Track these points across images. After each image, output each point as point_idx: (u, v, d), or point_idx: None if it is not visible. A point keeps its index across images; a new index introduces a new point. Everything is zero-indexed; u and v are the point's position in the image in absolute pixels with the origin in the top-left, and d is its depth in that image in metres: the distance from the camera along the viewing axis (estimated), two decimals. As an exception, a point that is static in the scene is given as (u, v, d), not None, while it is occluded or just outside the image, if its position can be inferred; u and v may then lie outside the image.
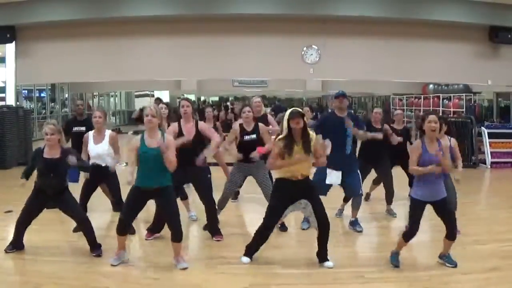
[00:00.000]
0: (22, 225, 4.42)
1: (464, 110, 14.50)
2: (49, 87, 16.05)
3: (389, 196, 5.99)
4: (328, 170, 5.06)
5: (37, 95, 15.88)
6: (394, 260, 4.21)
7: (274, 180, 4.44)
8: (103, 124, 5.07)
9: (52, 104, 16.49)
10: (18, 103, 11.46)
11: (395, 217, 5.91)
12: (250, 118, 5.24)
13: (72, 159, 4.28)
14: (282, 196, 4.16)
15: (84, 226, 4.44)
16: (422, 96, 17.72)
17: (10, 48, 10.66)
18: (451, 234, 4.11)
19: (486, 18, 10.24)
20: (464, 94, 14.99)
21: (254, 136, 5.16)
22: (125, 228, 4.14)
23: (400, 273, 4.07)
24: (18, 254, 4.42)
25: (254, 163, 5.20)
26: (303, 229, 5.32)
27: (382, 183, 6.15)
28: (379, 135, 5.77)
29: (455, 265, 4.16)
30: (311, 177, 4.36)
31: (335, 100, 5.22)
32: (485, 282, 3.88)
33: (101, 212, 5.76)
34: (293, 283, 3.93)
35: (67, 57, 10.23)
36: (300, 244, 4.98)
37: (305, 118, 4.06)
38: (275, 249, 4.67)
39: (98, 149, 4.97)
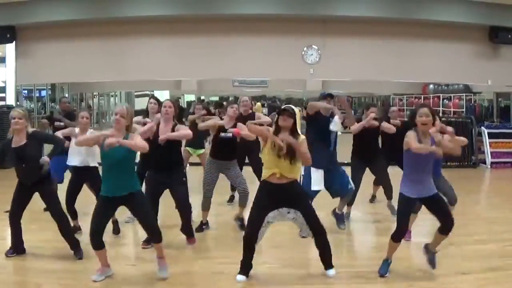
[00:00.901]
0: (13, 217, 4.32)
1: (464, 110, 14.51)
2: (49, 87, 16.03)
3: (388, 191, 5.75)
4: (312, 170, 4.95)
5: (37, 95, 15.87)
6: (383, 270, 4.00)
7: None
8: (88, 125, 5.03)
9: (52, 104, 16.46)
10: (18, 103, 11.45)
11: (395, 216, 5.80)
12: (233, 117, 5.18)
13: (43, 160, 4.19)
14: (264, 200, 3.82)
15: (60, 224, 4.34)
16: (422, 96, 17.72)
17: (10, 48, 10.66)
18: (445, 227, 3.87)
19: (486, 18, 10.23)
20: (464, 94, 14.99)
21: (230, 134, 5.08)
22: (99, 242, 3.80)
23: (400, 273, 4.06)
24: (18, 254, 4.42)
25: (229, 160, 5.18)
26: (303, 237, 4.98)
27: (378, 180, 6.02)
28: (373, 122, 5.53)
29: (434, 267, 4.00)
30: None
31: (322, 100, 5.13)
32: (485, 282, 3.88)
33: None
34: (292, 283, 3.93)
35: (67, 57, 10.22)
36: (299, 243, 4.97)
37: (297, 119, 3.79)
38: (274, 249, 4.67)
39: (79, 147, 4.70)
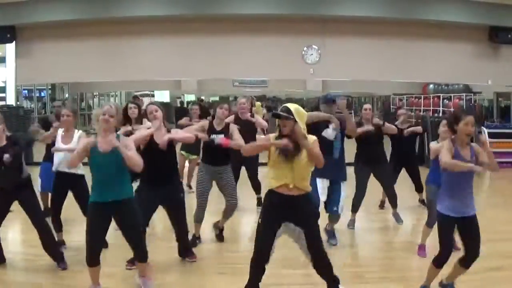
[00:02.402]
0: None
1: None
2: (49, 87, 16.03)
3: (392, 199, 5.60)
4: (318, 180, 4.49)
5: (37, 95, 15.88)
6: None
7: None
8: (72, 124, 4.52)
9: (53, 104, 16.50)
10: (18, 103, 11.48)
11: (401, 224, 5.62)
12: (222, 118, 4.81)
13: (6, 159, 3.83)
14: (273, 213, 3.25)
15: (42, 235, 4.04)
16: (422, 96, 17.70)
17: (10, 48, 10.68)
18: (469, 259, 3.45)
19: (486, 18, 10.25)
20: (464, 94, 14.98)
21: (221, 136, 4.67)
22: (96, 258, 3.42)
23: (400, 273, 4.07)
24: (18, 254, 4.41)
25: (221, 166, 4.76)
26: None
27: (382, 187, 5.77)
28: (368, 128, 5.31)
29: None
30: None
31: (324, 106, 4.63)
32: (486, 282, 3.88)
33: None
34: (293, 283, 3.94)
35: (67, 57, 10.24)
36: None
37: (301, 118, 3.22)
38: (275, 248, 4.66)
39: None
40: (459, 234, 3.51)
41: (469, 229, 3.42)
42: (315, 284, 3.90)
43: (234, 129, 4.76)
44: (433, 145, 4.44)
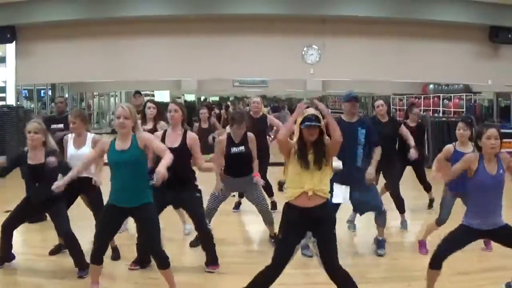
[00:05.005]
0: (7, 229, 4.00)
1: (464, 110, 14.51)
2: (49, 87, 16.04)
3: (399, 204, 5.39)
4: (335, 185, 4.25)
5: (37, 95, 15.89)
6: None
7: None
8: (81, 129, 4.35)
9: (53, 104, 16.49)
10: (18, 103, 11.47)
11: (407, 230, 5.47)
12: (240, 131, 4.64)
13: (51, 160, 3.81)
14: (292, 227, 3.18)
15: (70, 244, 3.97)
16: (422, 96, 17.71)
17: (10, 48, 10.67)
18: None
19: (486, 18, 10.25)
20: (464, 94, 14.99)
21: (242, 148, 4.63)
22: (98, 256, 3.43)
23: (400, 273, 4.07)
24: (18, 254, 4.40)
25: (243, 176, 4.66)
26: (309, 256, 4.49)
27: (390, 190, 5.61)
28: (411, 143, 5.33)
29: None
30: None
31: (346, 104, 4.45)
32: (485, 282, 3.89)
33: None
34: (293, 283, 3.93)
35: (67, 57, 10.24)
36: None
37: (322, 124, 3.10)
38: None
39: (79, 154, 4.20)
40: (501, 244, 3.43)
41: (506, 235, 3.29)
42: (316, 283, 3.91)
43: (252, 141, 4.68)
44: (447, 147, 4.37)
